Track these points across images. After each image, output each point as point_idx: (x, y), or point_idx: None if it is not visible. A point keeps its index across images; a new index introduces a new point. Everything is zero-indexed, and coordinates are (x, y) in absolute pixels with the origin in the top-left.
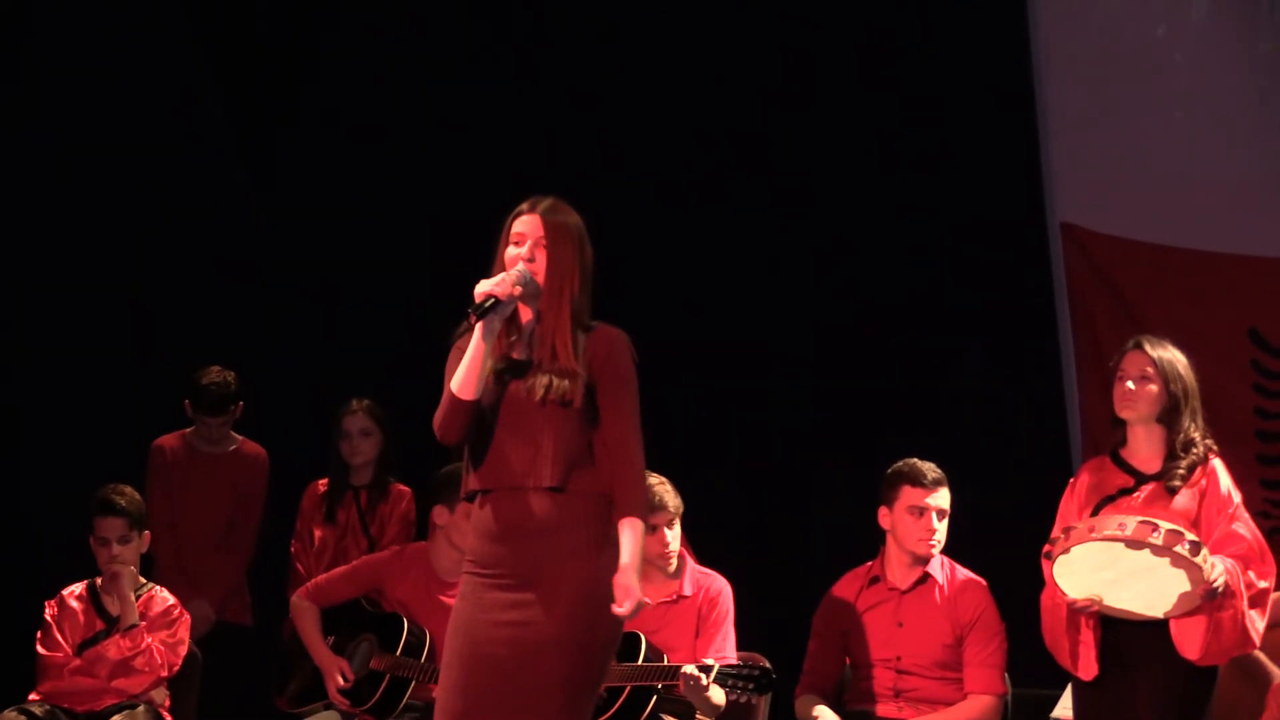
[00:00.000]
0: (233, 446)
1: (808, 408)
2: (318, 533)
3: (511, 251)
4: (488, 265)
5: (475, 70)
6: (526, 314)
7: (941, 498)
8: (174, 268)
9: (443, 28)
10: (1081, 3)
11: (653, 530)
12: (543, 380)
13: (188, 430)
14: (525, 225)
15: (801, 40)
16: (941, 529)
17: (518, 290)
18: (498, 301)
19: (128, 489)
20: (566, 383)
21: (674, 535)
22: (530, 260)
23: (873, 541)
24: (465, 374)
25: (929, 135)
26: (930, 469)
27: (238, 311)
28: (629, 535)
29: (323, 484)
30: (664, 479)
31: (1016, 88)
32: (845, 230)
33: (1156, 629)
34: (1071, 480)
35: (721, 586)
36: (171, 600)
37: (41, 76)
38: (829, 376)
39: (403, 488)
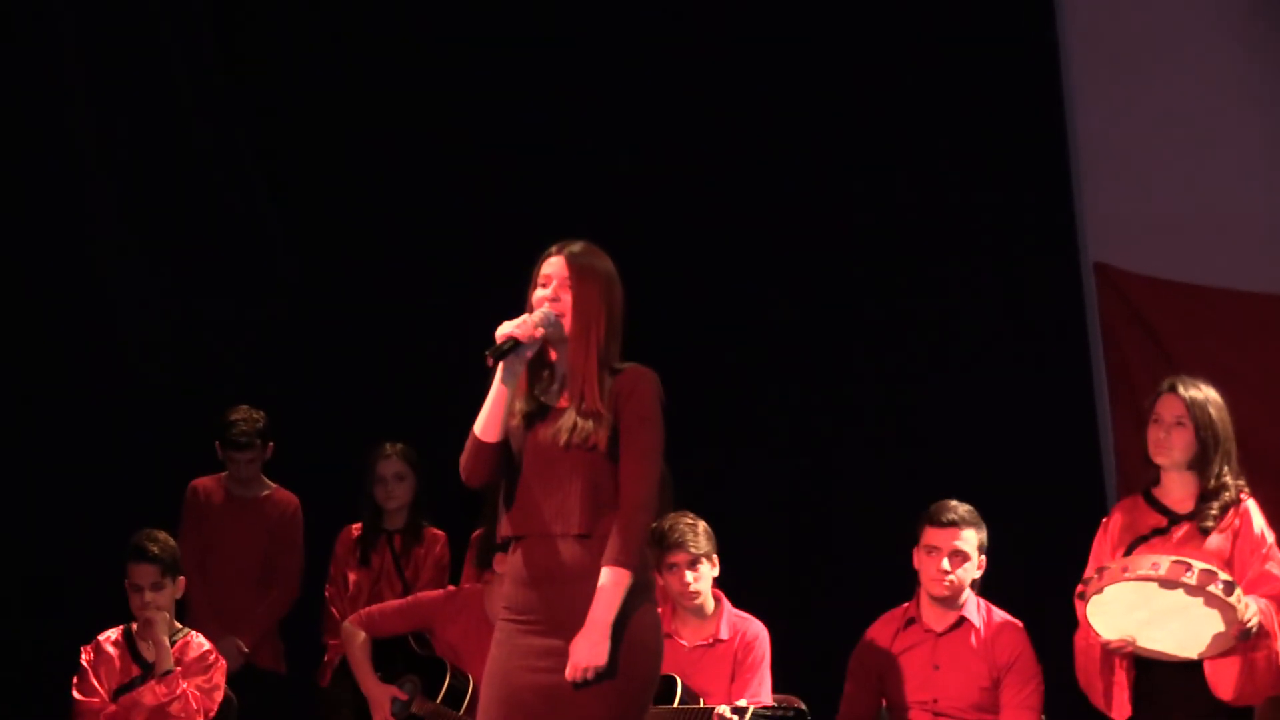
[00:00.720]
0: (265, 492)
1: (842, 449)
2: (352, 577)
3: (539, 294)
4: (522, 306)
5: (512, 109)
6: (563, 358)
7: (956, 538)
8: (207, 311)
9: (482, 67)
10: (1115, 42)
11: (671, 569)
12: (567, 424)
13: (223, 474)
14: (552, 267)
15: (841, 84)
16: (965, 570)
17: (539, 332)
18: (518, 343)
19: (161, 535)
20: (590, 425)
21: (696, 577)
22: (555, 301)
23: (909, 583)
24: (487, 416)
25: (961, 173)
26: (951, 508)
27: (271, 354)
28: (604, 586)
29: (356, 528)
30: (697, 519)
31: (1049, 126)
32: (878, 268)
33: (1191, 670)
34: (1105, 520)
35: (758, 631)
36: (207, 645)
37: (70, 122)
38: (863, 418)
39: (437, 532)
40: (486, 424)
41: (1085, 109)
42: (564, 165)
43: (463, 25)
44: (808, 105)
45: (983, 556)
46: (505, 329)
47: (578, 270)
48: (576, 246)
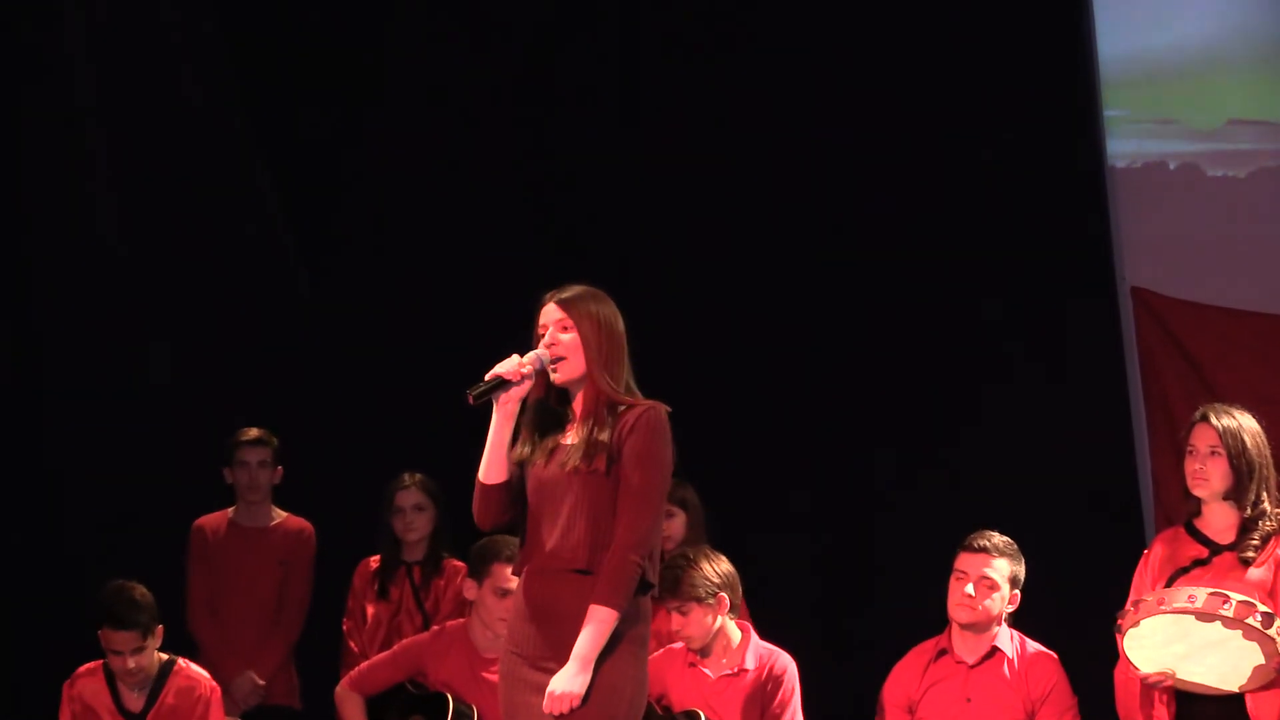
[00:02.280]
0: (275, 521)
1: (875, 479)
2: (370, 610)
3: (540, 344)
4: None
5: (525, 140)
6: (572, 397)
7: (986, 565)
8: (219, 336)
9: (490, 97)
10: (1149, 60)
11: (669, 611)
12: (570, 451)
13: (230, 510)
14: (546, 316)
15: (871, 104)
16: (992, 601)
17: (527, 370)
18: (503, 382)
19: (137, 590)
20: (592, 451)
21: (684, 623)
22: (552, 344)
23: (942, 616)
24: (488, 458)
25: (992, 196)
26: (985, 536)
27: (283, 381)
28: (589, 623)
29: (374, 560)
30: (700, 556)
31: (1084, 150)
32: (908, 298)
33: (1232, 703)
34: (1146, 552)
35: (786, 664)
36: (199, 679)
37: (82, 139)
38: (897, 448)
39: (458, 563)
40: (487, 466)
41: (1120, 130)
42: (601, 181)
43: (496, 26)
44: (836, 127)
45: (1016, 591)
46: (494, 370)
47: (571, 311)
48: (568, 291)
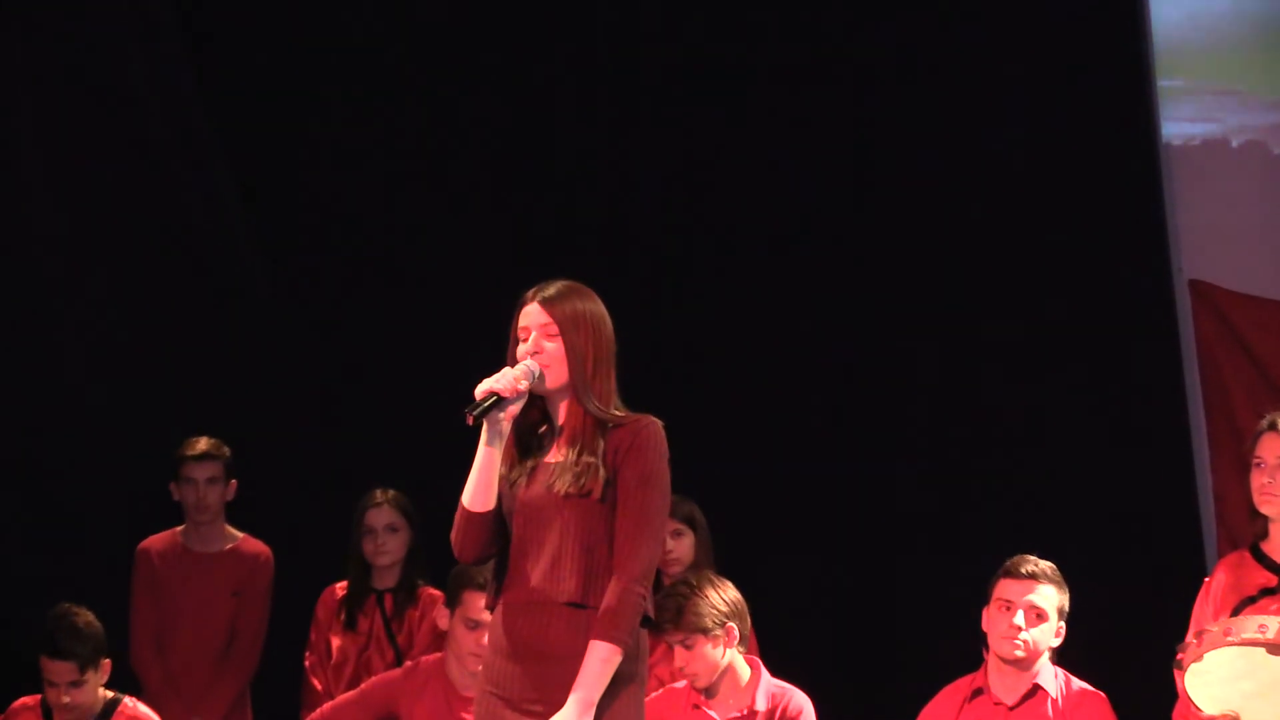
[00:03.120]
0: (229, 544)
1: (902, 498)
2: (336, 643)
3: (521, 349)
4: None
5: (503, 129)
6: (554, 410)
7: (1033, 592)
8: (167, 337)
9: (467, 83)
10: (1209, 23)
11: (670, 646)
12: (558, 473)
13: (178, 530)
14: (529, 317)
15: (920, 95)
16: (1041, 632)
17: (523, 386)
18: (500, 399)
19: (81, 618)
20: (583, 473)
21: (689, 658)
22: (536, 353)
23: (976, 652)
24: (475, 483)
25: (1038, 184)
26: (1031, 561)
27: (238, 386)
28: (590, 661)
29: (341, 587)
30: (704, 583)
31: (1135, 126)
32: (947, 297)
33: None
34: (1206, 580)
35: (802, 705)
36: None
37: (15, 117)
38: (926, 464)
39: (434, 592)
40: (475, 492)
41: (1176, 110)
42: (584, 175)
43: (456, 23)
44: (874, 107)
45: (1063, 623)
46: (485, 385)
47: (557, 314)
48: (552, 289)
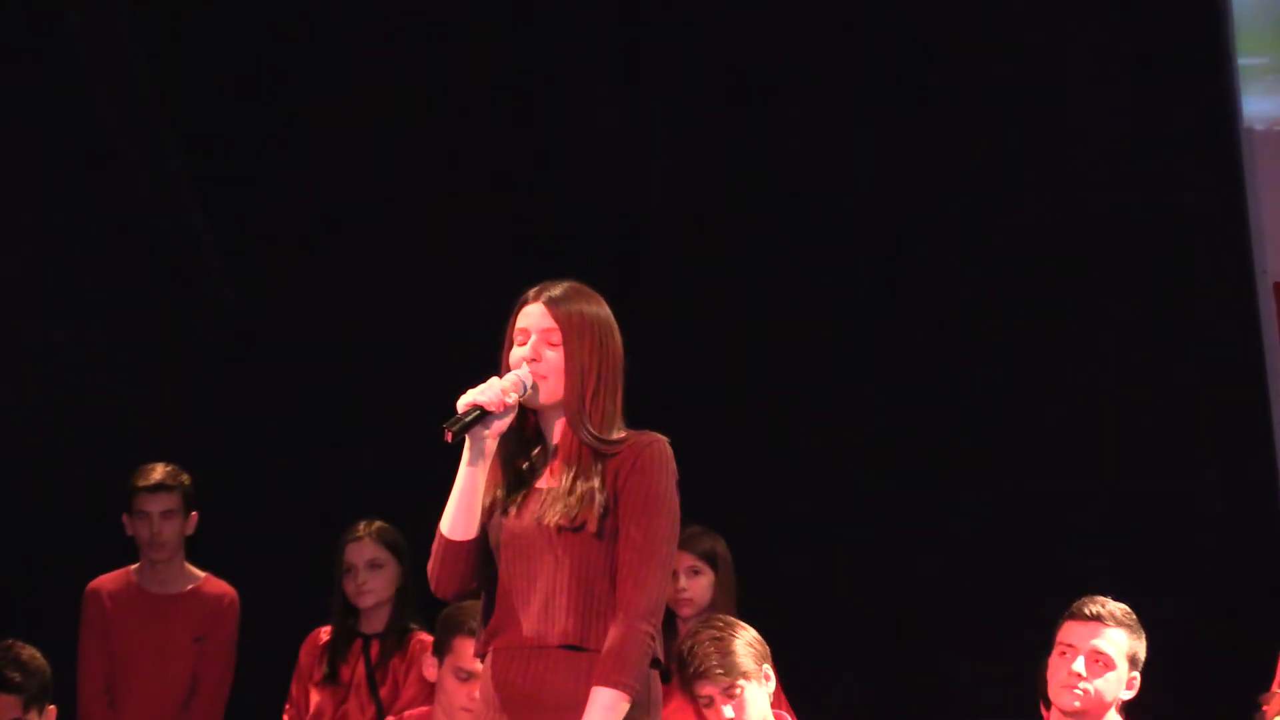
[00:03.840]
0: (190, 585)
1: (945, 518)
2: (315, 697)
3: (516, 353)
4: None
5: (490, 119)
6: (548, 427)
7: (1098, 636)
8: (120, 350)
9: (451, 70)
10: None
11: (706, 704)
12: (550, 502)
13: (131, 567)
14: (529, 319)
15: (996, 85)
16: (1106, 682)
17: (512, 399)
18: (484, 413)
19: (26, 651)
20: (578, 502)
21: (737, 708)
22: (534, 360)
23: (1031, 700)
24: (456, 508)
25: (1093, 169)
26: (1099, 602)
27: (199, 404)
28: (594, 711)
29: (325, 633)
30: (730, 628)
31: (1212, 109)
32: (1004, 291)
33: None
34: None
35: None
36: None
37: None
38: (976, 475)
39: (426, 637)
40: (455, 518)
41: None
42: (584, 164)
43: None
44: (924, 92)
45: (1136, 673)
46: (469, 397)
47: (563, 319)
48: (558, 289)
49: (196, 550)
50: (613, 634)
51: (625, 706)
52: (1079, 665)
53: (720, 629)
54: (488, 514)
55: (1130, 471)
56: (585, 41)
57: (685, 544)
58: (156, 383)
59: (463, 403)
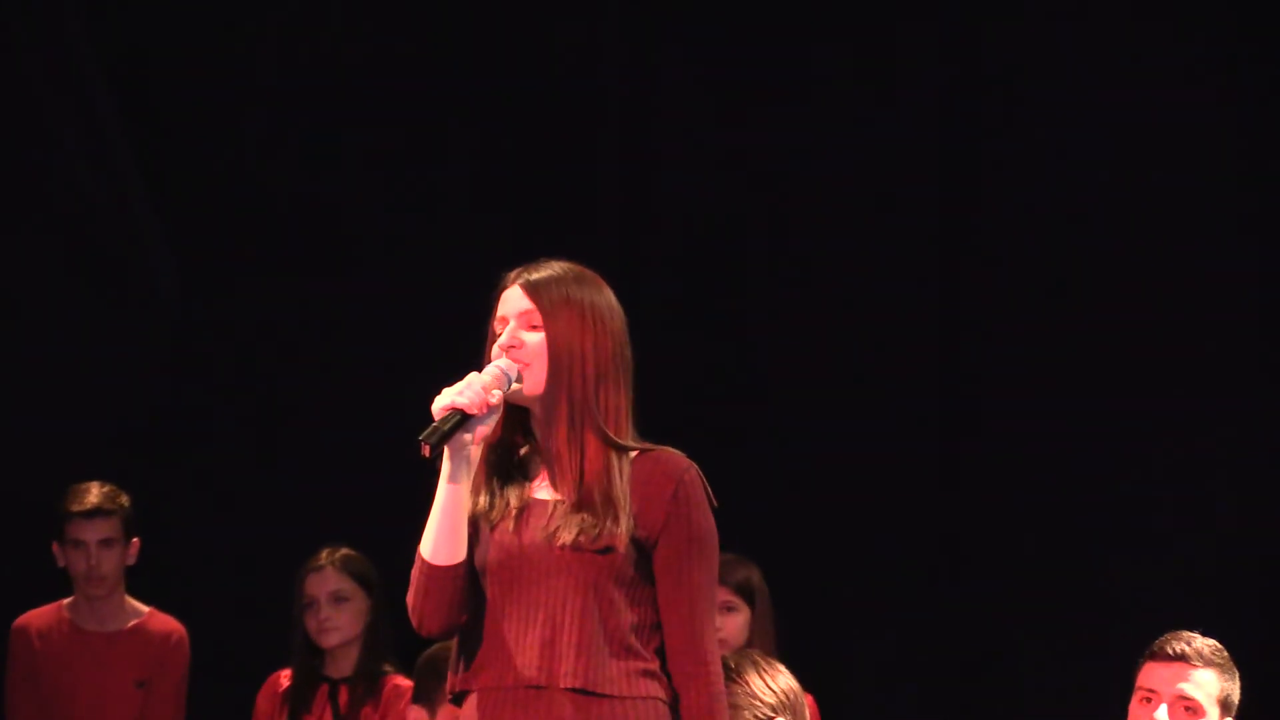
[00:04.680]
0: (132, 621)
1: (1023, 546)
2: None
3: (497, 346)
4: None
5: (478, 84)
6: (541, 425)
7: (1184, 679)
8: (51, 353)
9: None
10: None
11: None
12: (561, 519)
13: (65, 602)
14: (507, 304)
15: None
16: None
17: (496, 397)
18: (464, 418)
19: None
20: (596, 521)
21: None
22: (515, 348)
23: None
24: (438, 529)
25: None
26: (1184, 639)
27: (141, 415)
28: None
29: (286, 676)
30: (773, 668)
31: None
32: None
33: None
34: None
35: None
36: None
37: None
38: (1057, 502)
39: (402, 681)
40: (439, 540)
41: None
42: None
43: None
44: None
45: (1229, 718)
46: (446, 399)
47: (543, 300)
48: (539, 269)
49: (138, 581)
50: (694, 692)
51: None
52: (1162, 714)
53: (770, 673)
54: (471, 529)
55: (1213, 484)
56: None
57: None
58: (89, 385)
59: (439, 406)
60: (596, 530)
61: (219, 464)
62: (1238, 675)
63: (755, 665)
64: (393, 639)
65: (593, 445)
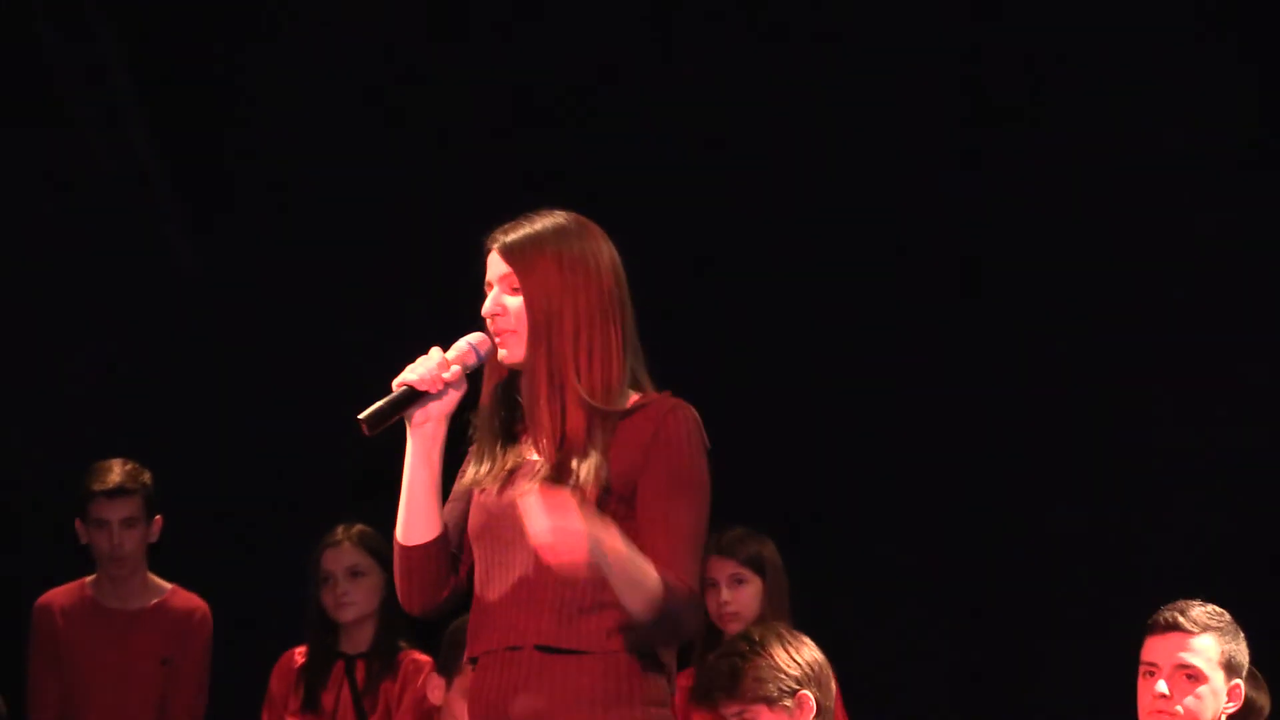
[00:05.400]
0: (155, 599)
1: (1041, 527)
2: None
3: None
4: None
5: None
6: (527, 391)
7: (1182, 648)
8: (70, 328)
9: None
10: None
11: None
12: (535, 478)
13: (87, 580)
14: (490, 269)
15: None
16: (1198, 701)
17: (454, 373)
18: (413, 396)
19: None
20: (566, 474)
21: None
22: (498, 314)
23: None
24: (406, 509)
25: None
26: (1178, 608)
27: (160, 391)
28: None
29: (301, 653)
30: (799, 641)
31: None
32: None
33: None
34: None
35: None
36: None
37: None
38: (1074, 483)
39: (420, 656)
40: (408, 520)
41: None
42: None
43: None
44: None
45: (1237, 681)
46: (402, 375)
47: (519, 260)
48: (520, 228)
49: (161, 558)
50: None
51: (655, 593)
52: (1162, 686)
53: (745, 648)
54: (466, 495)
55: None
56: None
57: (728, 549)
58: (109, 363)
59: (396, 383)
60: (564, 484)
61: (237, 438)
62: (1242, 635)
63: (780, 638)
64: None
65: (573, 406)
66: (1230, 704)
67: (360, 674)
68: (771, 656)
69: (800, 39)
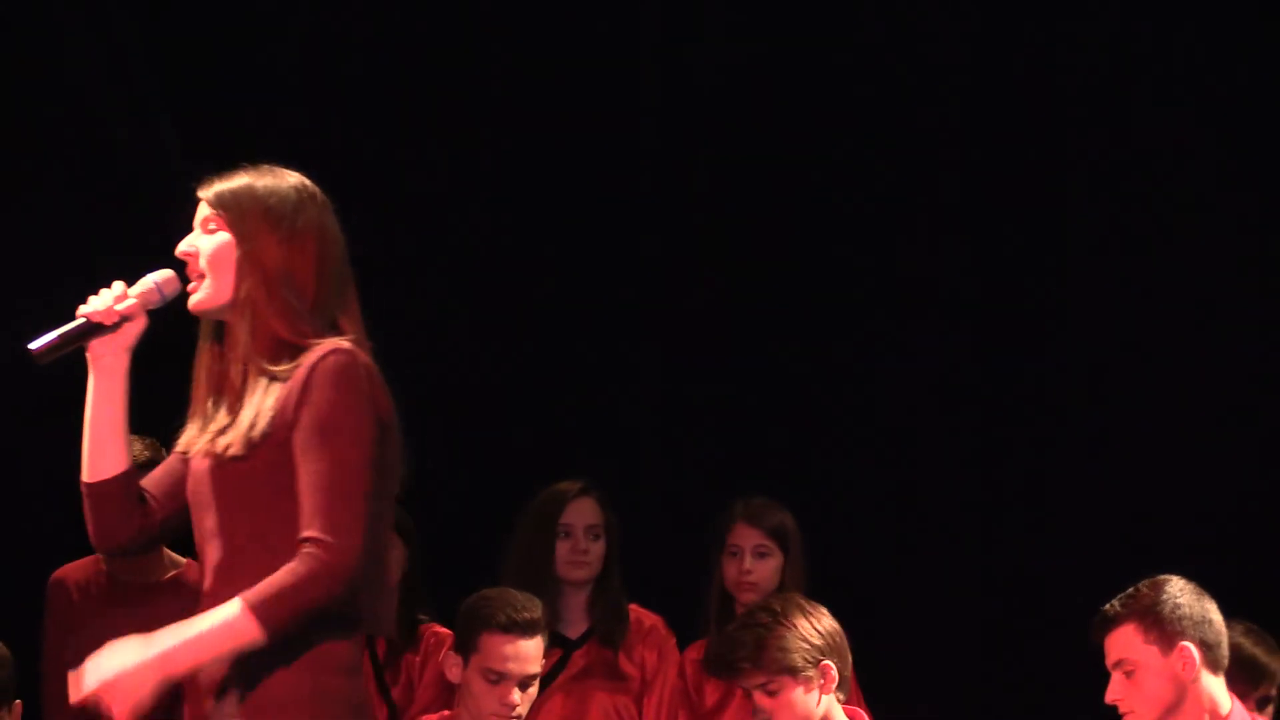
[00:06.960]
0: (169, 573)
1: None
2: None
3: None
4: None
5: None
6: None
7: (1110, 647)
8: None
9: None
10: None
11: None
12: (230, 433)
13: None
14: (197, 216)
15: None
16: (1144, 687)
17: (129, 305)
18: (90, 328)
19: None
20: (226, 427)
21: (790, 705)
22: (189, 255)
23: None
24: (88, 444)
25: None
26: (1100, 614)
27: (175, 364)
28: (208, 614)
29: None
30: (817, 611)
31: None
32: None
33: None
34: None
35: None
36: None
37: None
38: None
39: (441, 630)
40: (90, 455)
41: None
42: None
43: None
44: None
45: (1186, 644)
46: (82, 309)
47: (219, 204)
48: (230, 180)
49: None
50: (290, 564)
51: (253, 638)
52: (1111, 690)
53: (768, 618)
54: (182, 457)
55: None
56: None
57: (751, 519)
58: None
59: (78, 314)
60: (220, 440)
61: None
62: (1174, 592)
63: (801, 609)
64: (429, 590)
65: (261, 355)
66: (1187, 671)
67: (381, 648)
68: (796, 627)
69: None
